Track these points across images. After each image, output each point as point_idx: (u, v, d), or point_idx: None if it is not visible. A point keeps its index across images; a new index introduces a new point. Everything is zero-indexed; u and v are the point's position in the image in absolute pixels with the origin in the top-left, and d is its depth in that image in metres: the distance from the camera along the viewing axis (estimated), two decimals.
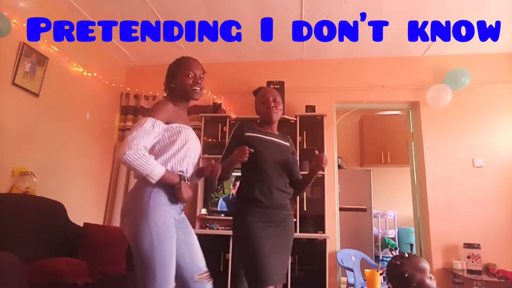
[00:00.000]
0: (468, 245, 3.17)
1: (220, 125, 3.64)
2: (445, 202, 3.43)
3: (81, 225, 2.71)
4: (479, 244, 3.17)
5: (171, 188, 1.51)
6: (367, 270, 3.09)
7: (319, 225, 3.33)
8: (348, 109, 4.14)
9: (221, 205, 3.53)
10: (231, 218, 3.46)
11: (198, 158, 1.74)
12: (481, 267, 3.11)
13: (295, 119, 3.59)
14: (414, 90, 3.72)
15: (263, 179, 1.79)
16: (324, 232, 3.29)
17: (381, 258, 4.64)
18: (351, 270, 3.11)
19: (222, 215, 3.53)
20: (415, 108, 3.82)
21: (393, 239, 4.87)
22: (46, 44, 2.87)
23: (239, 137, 1.88)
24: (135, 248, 1.43)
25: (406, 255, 1.68)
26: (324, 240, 3.20)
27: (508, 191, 3.37)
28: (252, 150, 1.74)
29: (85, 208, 3.41)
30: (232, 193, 3.55)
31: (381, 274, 2.47)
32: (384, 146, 5.27)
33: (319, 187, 3.39)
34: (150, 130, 1.46)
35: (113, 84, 3.88)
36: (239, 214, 1.84)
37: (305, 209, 3.37)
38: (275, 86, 3.59)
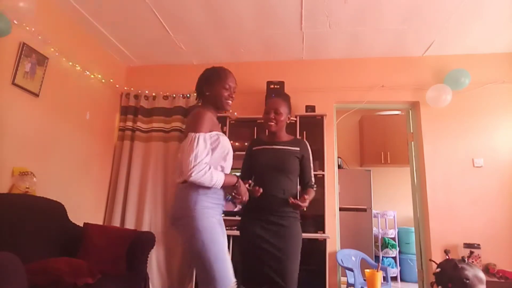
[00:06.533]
0: (468, 245, 3.17)
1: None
2: (445, 202, 3.43)
3: (81, 225, 2.71)
4: (479, 244, 3.17)
5: (211, 193, 1.62)
6: (367, 270, 3.09)
7: (319, 225, 3.33)
8: (348, 109, 4.14)
9: None
10: (231, 218, 3.49)
11: None
12: (481, 267, 3.11)
13: (295, 119, 3.59)
14: (414, 90, 3.72)
15: (260, 185, 1.91)
16: (324, 232, 3.29)
17: (381, 258, 4.64)
18: (351, 270, 3.11)
19: (222, 215, 3.53)
20: (415, 108, 3.82)
21: (393, 239, 4.86)
22: (46, 44, 2.87)
23: (248, 153, 2.15)
24: (191, 251, 1.56)
25: (466, 260, 1.70)
26: (324, 240, 3.20)
27: (508, 191, 3.37)
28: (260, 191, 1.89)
29: (85, 208, 3.41)
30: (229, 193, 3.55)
31: (434, 273, 2.44)
32: (384, 146, 5.26)
33: (319, 187, 3.37)
34: (203, 147, 1.57)
35: (116, 85, 3.88)
36: (241, 217, 2.09)
37: (305, 209, 3.35)
38: (275, 86, 3.60)
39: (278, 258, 1.87)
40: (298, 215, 2.04)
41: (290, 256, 1.89)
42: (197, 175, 1.51)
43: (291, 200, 1.88)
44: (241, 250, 1.98)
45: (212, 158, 1.63)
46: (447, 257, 2.44)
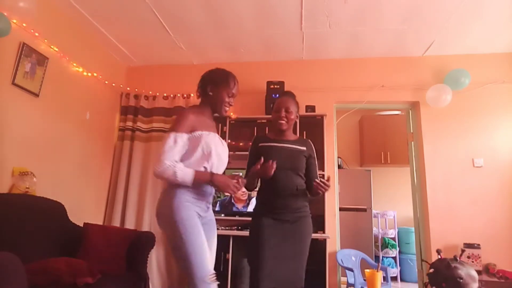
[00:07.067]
0: (468, 245, 3.17)
1: (220, 125, 3.64)
2: (445, 202, 3.43)
3: (81, 225, 2.71)
4: (479, 244, 3.17)
5: (194, 188, 1.63)
6: (367, 270, 3.09)
7: (319, 225, 3.32)
8: (348, 109, 4.14)
9: (217, 207, 3.54)
10: (231, 218, 3.49)
11: (226, 161, 1.85)
12: (481, 267, 3.11)
13: None
14: (414, 90, 3.72)
15: (272, 183, 1.92)
16: (324, 232, 3.30)
17: (381, 258, 4.64)
18: (351, 270, 3.11)
19: (222, 215, 3.53)
20: (415, 108, 3.82)
21: (393, 239, 4.86)
22: (46, 44, 2.87)
23: (254, 149, 2.10)
24: (170, 244, 1.60)
25: (458, 259, 1.71)
26: (324, 240, 3.20)
27: (508, 191, 3.37)
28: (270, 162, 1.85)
29: (85, 208, 3.41)
30: (232, 195, 3.55)
31: (427, 274, 2.45)
32: (384, 146, 5.26)
33: None
34: (172, 145, 1.60)
35: (113, 84, 3.87)
36: (253, 216, 2.05)
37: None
38: (275, 86, 3.60)
39: (292, 258, 1.89)
40: (309, 210, 2.07)
41: (303, 256, 1.94)
42: (159, 170, 1.55)
43: (316, 181, 1.86)
44: (255, 249, 1.91)
45: (193, 158, 1.65)
46: (439, 257, 2.44)
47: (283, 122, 2.03)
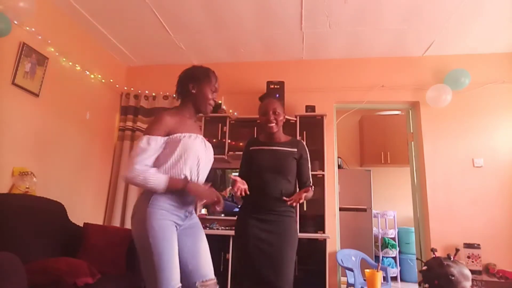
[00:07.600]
0: (468, 245, 3.17)
1: (220, 125, 3.64)
2: (445, 202, 3.43)
3: (81, 225, 2.71)
4: (479, 244, 3.17)
5: (172, 193, 1.53)
6: (367, 270, 3.09)
7: (319, 225, 3.33)
8: (348, 109, 4.14)
9: None
10: (231, 218, 3.49)
11: (209, 164, 1.74)
12: (481, 267, 3.11)
13: (295, 119, 3.59)
14: (414, 90, 3.72)
15: (258, 185, 1.94)
16: (324, 232, 3.29)
17: (381, 258, 4.64)
18: (351, 270, 3.11)
19: (222, 215, 3.53)
20: (415, 108, 3.82)
21: (393, 239, 4.86)
22: (46, 44, 2.87)
23: (246, 152, 2.13)
24: (138, 250, 1.53)
25: (452, 258, 1.72)
26: (324, 240, 3.20)
27: (508, 191, 3.37)
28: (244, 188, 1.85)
29: (85, 208, 3.41)
30: (232, 194, 3.55)
31: (420, 271, 2.47)
32: (384, 146, 5.26)
33: (319, 187, 3.38)
34: (146, 148, 1.51)
35: (115, 85, 3.88)
36: (238, 215, 2.06)
37: (305, 209, 3.37)
38: (275, 86, 3.60)
39: (274, 258, 1.88)
40: (295, 215, 2.05)
41: (286, 257, 1.91)
42: (129, 176, 1.48)
43: (287, 200, 1.88)
44: (237, 249, 1.97)
45: (169, 162, 1.55)
46: (434, 256, 2.45)
47: (273, 125, 2.03)
